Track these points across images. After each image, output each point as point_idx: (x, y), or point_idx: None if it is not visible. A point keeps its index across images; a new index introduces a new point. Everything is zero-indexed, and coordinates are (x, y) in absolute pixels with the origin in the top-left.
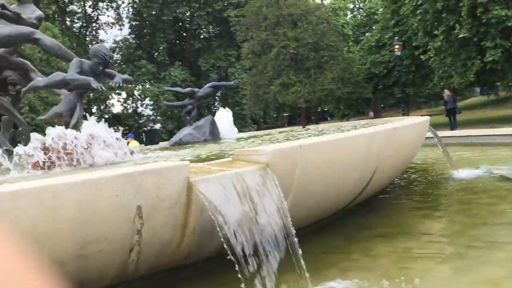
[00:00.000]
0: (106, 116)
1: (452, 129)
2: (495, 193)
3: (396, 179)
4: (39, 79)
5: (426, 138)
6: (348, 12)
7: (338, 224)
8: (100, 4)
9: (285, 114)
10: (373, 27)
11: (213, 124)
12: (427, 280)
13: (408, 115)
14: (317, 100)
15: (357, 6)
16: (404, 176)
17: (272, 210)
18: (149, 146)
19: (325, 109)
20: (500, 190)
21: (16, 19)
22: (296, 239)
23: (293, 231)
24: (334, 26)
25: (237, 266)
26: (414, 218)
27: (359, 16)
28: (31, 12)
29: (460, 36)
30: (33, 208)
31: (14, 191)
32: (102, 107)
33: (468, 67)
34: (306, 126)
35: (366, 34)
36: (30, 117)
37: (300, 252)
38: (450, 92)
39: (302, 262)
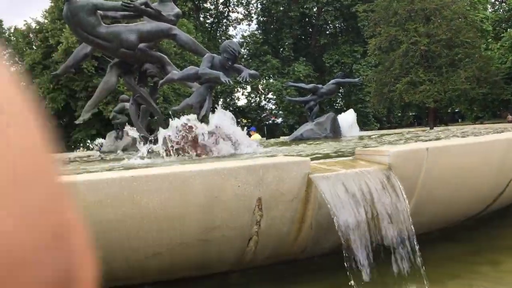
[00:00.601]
0: (231, 109)
1: None
2: None
3: None
4: (174, 72)
5: None
6: (489, 6)
7: (465, 233)
8: (231, 0)
9: (411, 114)
10: None
11: (334, 121)
12: None
13: None
14: (448, 100)
15: None
16: None
17: (392, 213)
18: (270, 140)
19: (456, 110)
20: None
21: (157, 16)
22: (417, 245)
23: (414, 237)
24: (471, 21)
25: (350, 267)
26: None
27: (501, 10)
28: (171, 9)
29: None
30: (163, 192)
31: (148, 175)
32: (228, 99)
33: None
34: (434, 128)
35: (508, 30)
36: (164, 107)
37: (420, 259)
38: None
39: (423, 270)
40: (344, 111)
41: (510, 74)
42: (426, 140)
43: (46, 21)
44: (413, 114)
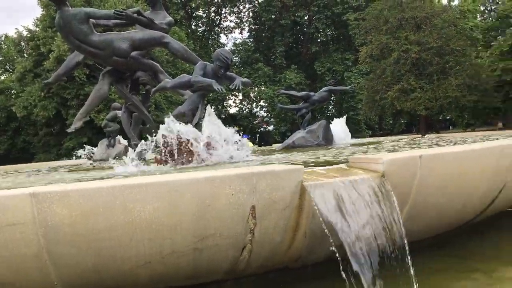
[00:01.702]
0: (223, 116)
1: None
2: None
3: None
4: (167, 81)
5: None
6: (478, 15)
7: (457, 241)
8: (223, 9)
9: (402, 121)
10: (506, 31)
11: (326, 129)
12: None
13: None
14: (439, 107)
15: (489, 8)
16: None
17: (386, 221)
18: (262, 148)
19: (447, 118)
20: None
21: (149, 24)
22: (409, 253)
23: (407, 245)
24: (461, 30)
25: (346, 276)
26: None
27: (491, 19)
28: (163, 18)
29: None
30: (155, 201)
31: (141, 184)
32: (220, 107)
33: None
34: (426, 135)
35: (498, 38)
36: (156, 115)
37: (412, 267)
38: None
39: (413, 278)
40: (337, 118)
41: (500, 82)
42: (417, 147)
43: (37, 29)
44: (405, 121)
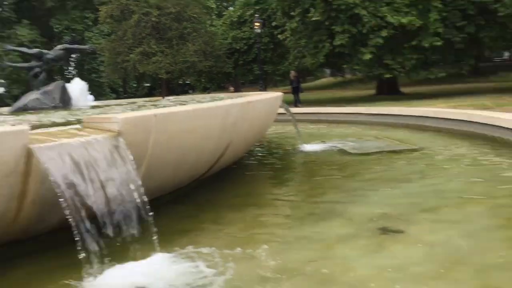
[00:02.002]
0: None
1: (296, 106)
2: (336, 165)
3: (249, 152)
4: None
5: (280, 114)
6: None
7: (192, 194)
8: None
9: (146, 85)
10: (236, 2)
11: (64, 90)
12: (272, 244)
13: (265, 91)
14: (179, 72)
15: None
16: (257, 148)
17: (123, 180)
18: None
19: (187, 82)
20: (340, 163)
21: None
22: (148, 208)
23: (145, 201)
24: None
25: (80, 239)
26: (263, 188)
27: None
28: None
29: (314, 19)
30: None
31: None
32: None
33: (319, 49)
34: (166, 97)
35: (229, 8)
36: None
37: (151, 220)
38: (296, 73)
39: (153, 229)
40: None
41: (231, 49)
42: (155, 107)
43: None
44: (148, 85)
